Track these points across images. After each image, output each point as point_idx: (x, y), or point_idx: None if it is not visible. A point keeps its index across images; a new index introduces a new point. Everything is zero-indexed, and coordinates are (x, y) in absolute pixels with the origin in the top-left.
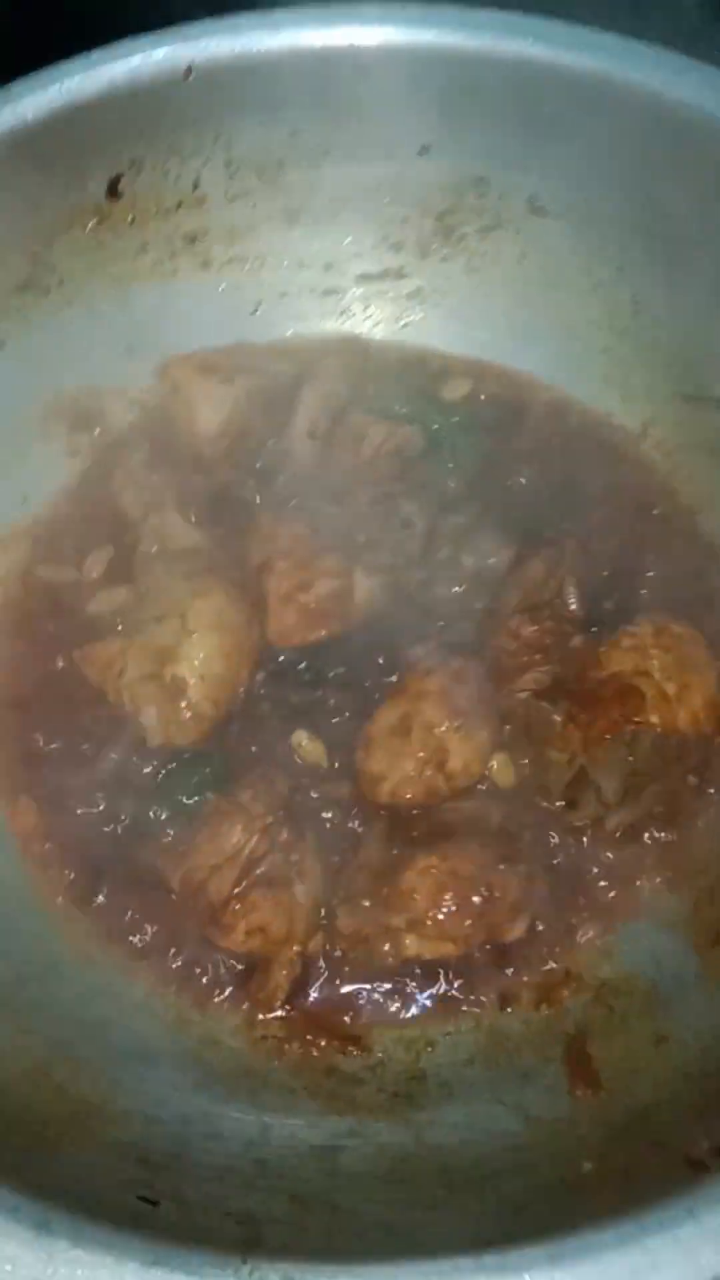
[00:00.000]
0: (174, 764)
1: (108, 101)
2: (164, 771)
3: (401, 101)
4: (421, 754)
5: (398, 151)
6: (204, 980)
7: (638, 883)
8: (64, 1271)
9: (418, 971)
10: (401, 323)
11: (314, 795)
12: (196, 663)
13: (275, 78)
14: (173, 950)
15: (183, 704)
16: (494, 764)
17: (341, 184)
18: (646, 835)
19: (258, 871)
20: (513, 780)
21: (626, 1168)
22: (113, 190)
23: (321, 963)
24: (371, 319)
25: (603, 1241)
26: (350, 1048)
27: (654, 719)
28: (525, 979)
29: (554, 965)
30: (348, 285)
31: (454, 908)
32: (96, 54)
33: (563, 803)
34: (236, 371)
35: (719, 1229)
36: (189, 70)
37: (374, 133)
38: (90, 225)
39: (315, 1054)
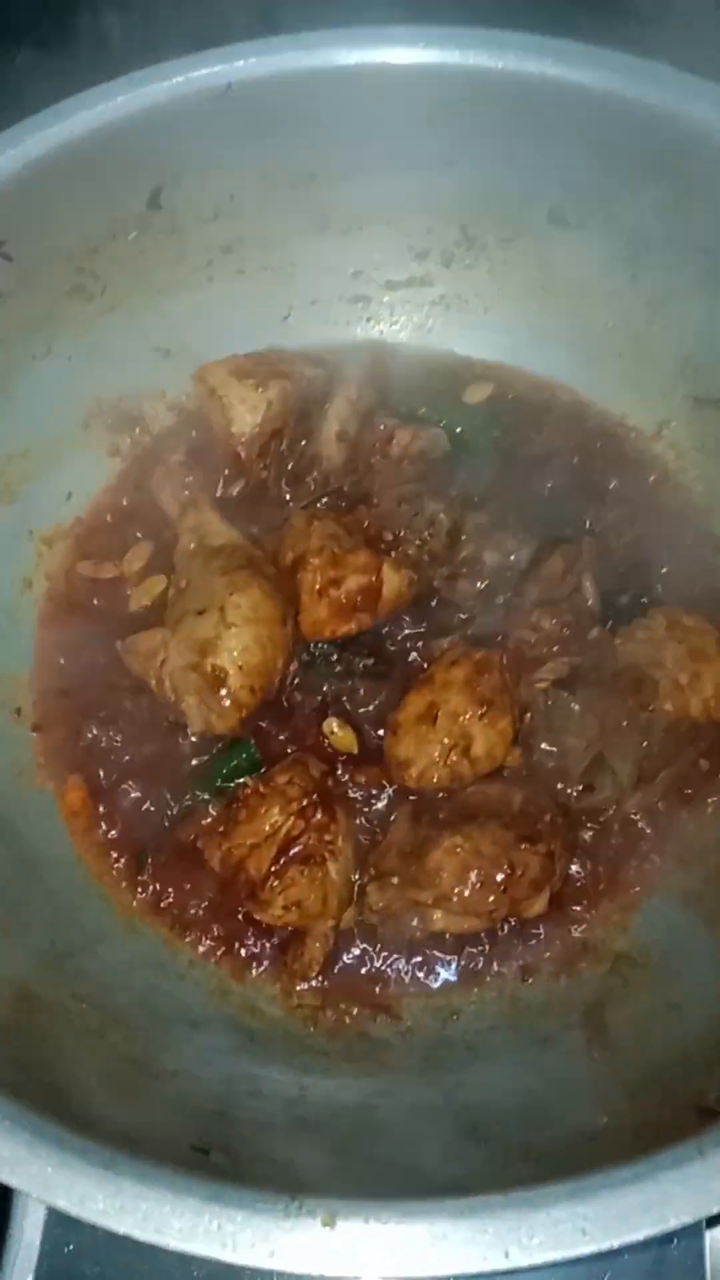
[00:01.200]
0: (213, 748)
1: (151, 118)
2: (204, 755)
3: (427, 118)
4: (447, 740)
5: (423, 165)
6: (243, 952)
7: (651, 861)
8: (131, 1206)
9: (444, 944)
10: (426, 328)
11: (345, 779)
12: (235, 654)
13: (308, 95)
14: (213, 924)
15: (222, 693)
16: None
17: (369, 196)
18: (660, 817)
19: (294, 850)
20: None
21: (640, 1118)
22: (154, 202)
23: (354, 936)
24: (398, 325)
25: (620, 1178)
26: (381, 1015)
27: (667, 706)
28: (545, 952)
29: (572, 939)
30: (375, 292)
31: (478, 885)
32: (141, 74)
33: (580, 786)
34: (270, 376)
35: None
36: (228, 88)
37: (401, 147)
38: (132, 235)
39: (348, 1021)
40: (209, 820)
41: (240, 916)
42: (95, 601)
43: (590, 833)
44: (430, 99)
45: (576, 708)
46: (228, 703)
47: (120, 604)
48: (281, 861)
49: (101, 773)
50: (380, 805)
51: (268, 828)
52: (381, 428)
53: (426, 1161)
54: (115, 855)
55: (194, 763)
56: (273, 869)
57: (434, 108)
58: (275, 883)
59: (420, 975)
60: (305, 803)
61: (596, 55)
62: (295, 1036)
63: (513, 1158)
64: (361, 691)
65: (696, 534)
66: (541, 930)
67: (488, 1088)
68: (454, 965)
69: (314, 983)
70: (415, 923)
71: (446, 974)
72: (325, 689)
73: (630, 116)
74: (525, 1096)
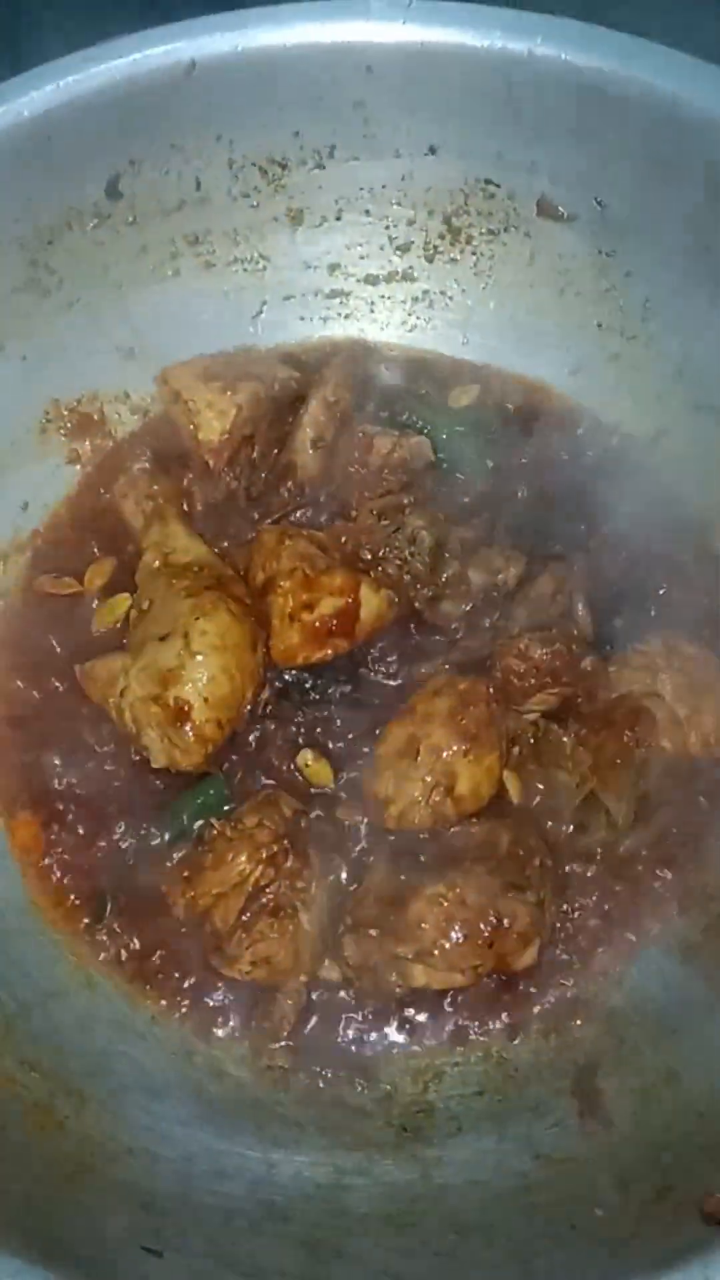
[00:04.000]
0: (178, 786)
1: (107, 99)
2: (168, 793)
3: (409, 100)
4: (429, 778)
5: (404, 151)
6: (209, 1008)
7: (648, 908)
8: None
9: (425, 1001)
10: (408, 326)
11: (320, 817)
12: (200, 685)
13: (279, 75)
14: (178, 976)
15: (186, 728)
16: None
17: (347, 184)
18: (657, 859)
19: (263, 900)
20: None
21: (639, 1215)
22: (112, 190)
23: (328, 991)
24: (378, 323)
25: None
26: (357, 1078)
27: (665, 744)
28: (534, 1008)
29: (563, 993)
30: (353, 288)
31: (462, 938)
32: (95, 50)
33: (572, 826)
34: (239, 379)
35: None
36: (191, 66)
37: (380, 132)
38: (90, 226)
39: (321, 1085)
40: (174, 864)
41: (205, 969)
42: (53, 622)
43: (583, 877)
44: (412, 79)
45: (568, 741)
46: (192, 738)
47: (82, 623)
48: (250, 913)
49: (58, 809)
50: (358, 847)
51: (235, 876)
52: (360, 435)
53: (402, 1260)
54: (73, 899)
55: (157, 801)
56: (241, 919)
57: (416, 89)
58: (243, 935)
59: (400, 1034)
60: (276, 849)
61: (589, 33)
62: (264, 1103)
63: (497, 1257)
64: (338, 722)
65: (696, 552)
66: (530, 984)
67: (472, 1165)
68: (436, 1023)
69: (285, 1042)
70: (394, 978)
71: (428, 1033)
72: (299, 719)
73: (625, 100)
74: (512, 1178)
